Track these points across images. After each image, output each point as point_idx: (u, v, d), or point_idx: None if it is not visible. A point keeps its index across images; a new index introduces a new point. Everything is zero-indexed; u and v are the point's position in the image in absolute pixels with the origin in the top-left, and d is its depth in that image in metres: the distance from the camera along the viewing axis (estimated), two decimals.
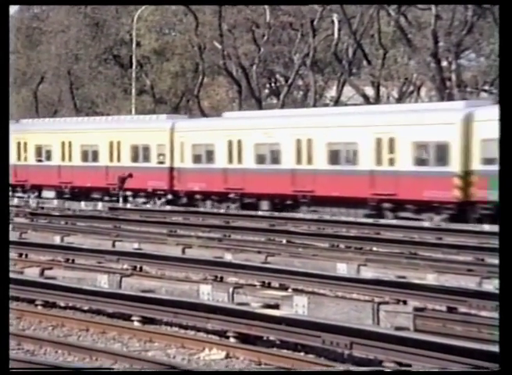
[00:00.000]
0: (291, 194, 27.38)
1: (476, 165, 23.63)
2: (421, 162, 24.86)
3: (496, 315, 9.84)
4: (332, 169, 26.41)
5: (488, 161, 22.45)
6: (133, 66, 47.12)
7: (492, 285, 11.56)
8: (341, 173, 26.14)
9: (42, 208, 29.33)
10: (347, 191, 25.64)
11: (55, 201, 32.72)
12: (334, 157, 26.47)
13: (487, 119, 22.31)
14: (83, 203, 31.55)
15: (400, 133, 24.96)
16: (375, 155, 25.50)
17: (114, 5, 47.14)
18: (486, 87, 40.72)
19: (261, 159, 28.44)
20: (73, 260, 15.20)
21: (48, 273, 12.81)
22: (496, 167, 24.68)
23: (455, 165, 24.01)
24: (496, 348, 7.51)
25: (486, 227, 21.69)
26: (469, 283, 11.86)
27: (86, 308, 10.94)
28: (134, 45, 46.82)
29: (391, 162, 25.20)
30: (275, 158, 28.08)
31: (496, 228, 21.22)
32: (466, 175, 23.80)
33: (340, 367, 7.90)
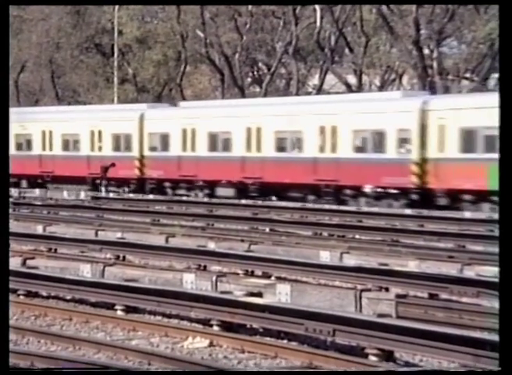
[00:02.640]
0: (241, 180, 28.53)
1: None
2: (359, 149, 26.50)
3: (477, 301, 9.94)
4: (279, 157, 27.65)
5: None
6: (115, 55, 46.89)
7: (472, 271, 11.67)
8: (287, 160, 27.41)
9: (24, 197, 29.19)
10: (293, 177, 26.91)
11: (37, 191, 32.57)
12: (281, 145, 27.71)
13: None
14: (65, 193, 31.44)
15: (341, 121, 26.46)
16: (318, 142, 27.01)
17: (114, 4, 46.75)
18: (467, 75, 40.86)
19: (213, 147, 29.62)
20: (56, 250, 15.15)
21: (30, 262, 12.79)
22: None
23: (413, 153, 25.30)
24: (476, 334, 7.59)
25: (467, 214, 21.84)
26: (450, 269, 11.96)
27: (69, 297, 10.93)
28: (116, 34, 46.57)
29: (333, 149, 26.90)
30: (227, 146, 29.38)
31: (477, 215, 21.40)
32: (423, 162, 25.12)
33: (322, 355, 7.95)
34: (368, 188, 25.68)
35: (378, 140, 25.81)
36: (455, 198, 23.93)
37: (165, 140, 31.42)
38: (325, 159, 26.53)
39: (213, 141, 29.74)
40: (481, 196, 23.20)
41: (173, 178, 30.70)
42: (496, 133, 24.70)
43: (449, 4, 36.58)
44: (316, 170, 26.54)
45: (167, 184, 31.14)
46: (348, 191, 26.25)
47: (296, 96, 37.73)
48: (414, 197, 24.95)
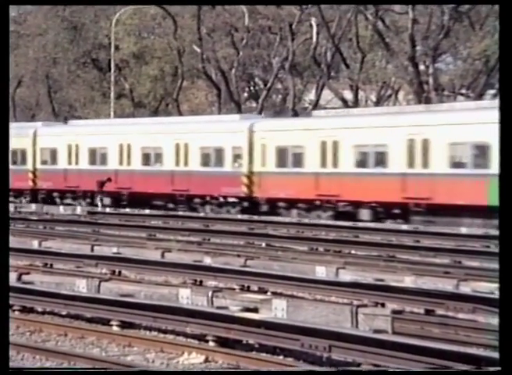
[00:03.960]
0: (116, 191, 32.86)
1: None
2: (205, 163, 31.07)
3: (473, 317, 9.93)
4: (146, 170, 32.42)
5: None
6: (112, 70, 46.99)
7: (469, 287, 11.66)
8: (152, 172, 32.04)
9: (19, 212, 29.15)
10: (156, 188, 31.29)
11: (33, 206, 32.55)
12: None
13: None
14: (61, 207, 31.43)
15: (191, 139, 31.12)
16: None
17: (115, 4, 46.72)
18: (463, 91, 41.03)
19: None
20: (51, 265, 15.12)
21: (25, 277, 12.74)
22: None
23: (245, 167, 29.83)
24: (472, 351, 7.59)
25: (463, 230, 21.86)
26: (446, 285, 11.95)
27: (64, 313, 10.89)
28: (113, 49, 46.69)
29: (186, 163, 31.34)
30: (104, 159, 33.87)
31: (473, 231, 21.42)
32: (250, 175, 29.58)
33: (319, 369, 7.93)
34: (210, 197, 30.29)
35: (219, 155, 30.39)
36: (273, 205, 28.53)
37: (53, 154, 35.51)
38: (179, 172, 31.20)
39: (93, 155, 34.23)
40: (291, 203, 28.08)
41: (60, 189, 35.04)
42: (301, 150, 28.43)
43: (449, 4, 36.75)
44: (173, 182, 31.31)
45: (55, 194, 35.19)
46: (197, 200, 30.63)
47: (157, 117, 41.59)
48: (246, 204, 29.44)
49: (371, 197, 25.92)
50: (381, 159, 26.30)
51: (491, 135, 22.83)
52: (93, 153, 34.23)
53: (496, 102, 27.09)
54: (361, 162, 26.72)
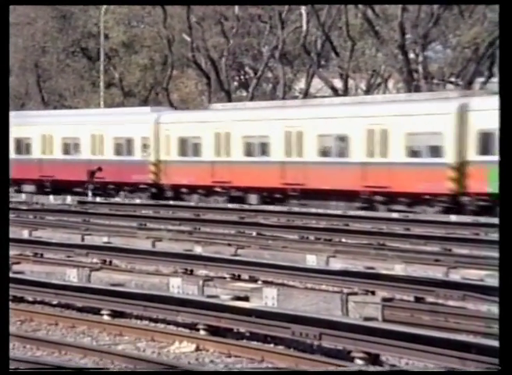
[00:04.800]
0: (39, 179, 34.82)
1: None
2: (118, 152, 33.21)
3: (462, 304, 9.98)
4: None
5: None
6: (101, 59, 46.78)
7: (458, 275, 11.72)
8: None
9: (10, 202, 29.03)
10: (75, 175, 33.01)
11: (23, 195, 32.47)
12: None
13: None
14: (51, 197, 31.36)
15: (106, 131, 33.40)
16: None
17: (114, 4, 46.55)
18: (452, 79, 41.05)
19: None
20: (42, 254, 15.09)
21: (16, 267, 12.72)
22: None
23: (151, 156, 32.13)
24: (462, 337, 7.63)
25: (453, 218, 21.95)
26: (436, 273, 12.01)
27: (55, 302, 10.89)
28: (102, 38, 46.46)
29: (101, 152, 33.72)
30: (28, 149, 36.07)
31: (462, 219, 21.50)
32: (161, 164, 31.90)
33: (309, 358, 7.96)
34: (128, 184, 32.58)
35: (130, 145, 32.64)
36: (177, 191, 30.84)
37: None
38: (96, 161, 33.29)
39: (18, 145, 35.93)
40: (192, 189, 30.46)
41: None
42: (199, 141, 30.61)
43: (449, 4, 36.77)
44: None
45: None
46: (112, 186, 33.01)
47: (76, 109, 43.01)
48: (153, 190, 31.76)
49: (257, 183, 28.63)
50: (263, 149, 28.95)
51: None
52: (19, 143, 35.97)
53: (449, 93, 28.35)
54: (249, 152, 29.36)
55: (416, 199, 24.84)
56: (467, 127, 23.96)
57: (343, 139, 27.14)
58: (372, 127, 26.14)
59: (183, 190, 30.84)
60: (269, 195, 28.62)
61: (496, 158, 20.50)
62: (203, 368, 7.74)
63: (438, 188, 24.34)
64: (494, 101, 21.95)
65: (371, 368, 7.49)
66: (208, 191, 30.07)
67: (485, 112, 22.87)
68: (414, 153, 25.34)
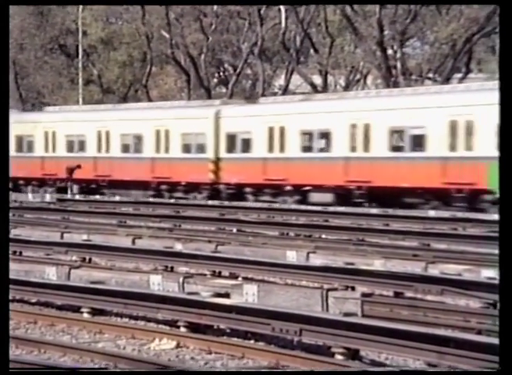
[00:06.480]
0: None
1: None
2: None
3: (441, 299, 10.06)
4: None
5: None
6: (80, 56, 46.55)
7: (437, 270, 11.80)
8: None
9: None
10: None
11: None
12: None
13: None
14: (30, 195, 31.16)
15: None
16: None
17: (115, 4, 46.25)
18: (430, 75, 41.27)
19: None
20: (21, 252, 15.02)
21: None
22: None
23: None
24: (441, 332, 7.70)
25: (431, 213, 22.11)
26: (415, 268, 12.09)
27: (34, 300, 10.84)
28: (80, 34, 46.23)
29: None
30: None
31: (441, 214, 21.66)
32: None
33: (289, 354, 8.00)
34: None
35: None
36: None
37: None
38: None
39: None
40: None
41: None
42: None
43: (448, 4, 36.93)
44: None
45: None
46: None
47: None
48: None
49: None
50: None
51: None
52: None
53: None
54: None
55: (191, 187, 30.89)
56: (219, 130, 30.24)
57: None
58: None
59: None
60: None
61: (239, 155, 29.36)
62: (183, 365, 7.74)
63: (204, 178, 30.44)
64: (239, 110, 30.56)
65: (371, 368, 7.52)
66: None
67: (231, 118, 29.79)
68: (187, 149, 31.20)
